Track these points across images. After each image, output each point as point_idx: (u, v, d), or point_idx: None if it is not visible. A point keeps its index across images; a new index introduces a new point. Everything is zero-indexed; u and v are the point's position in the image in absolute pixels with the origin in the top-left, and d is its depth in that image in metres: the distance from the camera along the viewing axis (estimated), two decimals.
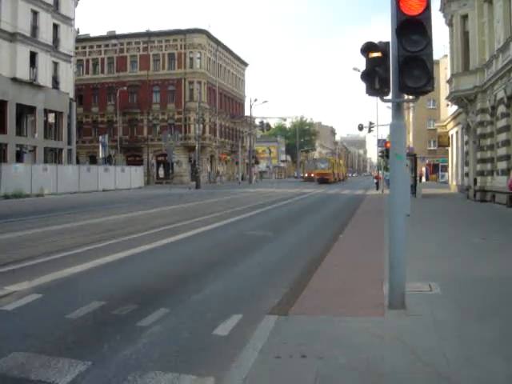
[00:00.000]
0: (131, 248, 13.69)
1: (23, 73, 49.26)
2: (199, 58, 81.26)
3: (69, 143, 57.97)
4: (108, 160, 68.05)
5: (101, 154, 66.24)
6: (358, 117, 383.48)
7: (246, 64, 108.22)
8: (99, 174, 53.72)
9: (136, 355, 6.06)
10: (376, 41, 7.75)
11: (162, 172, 78.08)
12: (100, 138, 67.99)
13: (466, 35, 35.03)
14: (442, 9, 38.43)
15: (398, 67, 7.25)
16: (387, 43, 7.59)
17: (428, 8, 7.20)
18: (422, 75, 7.17)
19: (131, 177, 60.63)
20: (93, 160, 74.68)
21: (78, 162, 64.77)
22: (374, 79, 7.54)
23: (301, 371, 5.37)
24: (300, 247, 14.63)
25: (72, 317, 7.54)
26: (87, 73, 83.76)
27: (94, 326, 7.24)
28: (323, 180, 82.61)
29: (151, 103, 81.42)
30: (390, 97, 7.63)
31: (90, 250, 13.45)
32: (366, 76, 7.64)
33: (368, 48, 7.66)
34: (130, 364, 5.79)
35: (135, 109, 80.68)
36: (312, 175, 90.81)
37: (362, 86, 7.79)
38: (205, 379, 5.39)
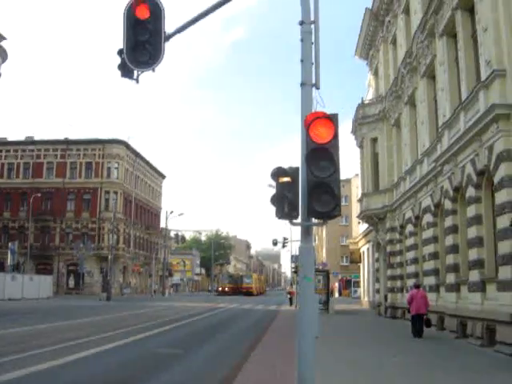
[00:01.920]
0: (27, 367, 12.91)
1: None
2: (117, 169, 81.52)
3: None
4: (16, 267, 65.75)
5: (9, 261, 64.04)
6: (273, 231, 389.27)
7: (163, 176, 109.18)
8: (6, 282, 51.77)
9: None
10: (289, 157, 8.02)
11: (72, 282, 75.99)
12: (10, 244, 65.97)
13: (375, 157, 36.84)
14: (354, 131, 40.41)
15: (307, 192, 7.48)
16: (297, 168, 7.87)
17: (336, 137, 7.55)
18: (330, 200, 7.41)
19: (40, 286, 58.57)
20: (0, 267, 72.04)
21: None
22: (284, 203, 7.74)
23: None
24: (210, 367, 14.25)
25: None
26: (1, 177, 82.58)
27: None
28: (248, 293, 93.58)
29: (65, 211, 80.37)
30: (298, 220, 7.82)
31: None
32: (276, 200, 7.84)
33: (278, 173, 7.91)
34: None
35: (48, 216, 79.28)
36: (226, 289, 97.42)
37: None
38: None
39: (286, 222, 8.14)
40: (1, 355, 14.38)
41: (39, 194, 75.84)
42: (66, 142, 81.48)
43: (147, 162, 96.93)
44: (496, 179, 16.98)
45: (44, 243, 79.04)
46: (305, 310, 7.71)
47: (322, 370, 11.07)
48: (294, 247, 66.53)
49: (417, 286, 22.64)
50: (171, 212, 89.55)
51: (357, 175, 55.75)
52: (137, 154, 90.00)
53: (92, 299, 58.50)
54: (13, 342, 17.61)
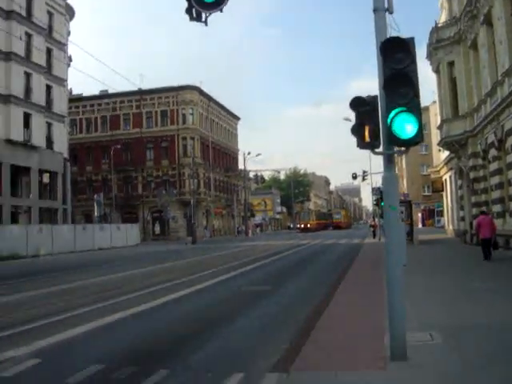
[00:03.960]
0: (129, 308, 13.57)
1: (17, 134, 49.57)
2: (191, 114, 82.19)
3: (64, 203, 57.96)
4: (103, 218, 67.96)
5: (96, 213, 66.21)
6: (352, 165, 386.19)
7: (238, 118, 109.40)
8: (95, 232, 53.60)
9: None
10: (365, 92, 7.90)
11: (158, 228, 78.01)
12: (95, 196, 68.08)
13: (453, 81, 35.63)
14: (429, 56, 39.13)
15: (389, 118, 7.35)
16: (375, 97, 7.74)
17: (413, 61, 7.38)
18: (412, 126, 7.28)
19: (127, 234, 60.46)
20: (88, 218, 74.58)
21: (73, 221, 64.52)
22: (364, 133, 7.65)
23: None
24: (299, 301, 14.51)
25: (71, 381, 7.44)
26: (81, 132, 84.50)
27: None
28: (337, 226, 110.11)
29: (145, 160, 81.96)
30: (380, 149, 7.73)
31: (88, 311, 13.35)
32: (356, 130, 7.75)
33: (356, 103, 7.80)
34: None
35: (129, 166, 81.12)
36: (308, 225, 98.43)
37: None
38: None
39: (366, 153, 8.07)
40: (98, 301, 15.09)
41: (119, 146, 77.45)
42: (140, 92, 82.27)
43: (221, 105, 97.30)
44: None
45: (128, 193, 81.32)
46: (392, 239, 7.68)
47: (411, 297, 11.11)
48: (374, 180, 65.99)
49: (483, 213, 23.87)
50: (249, 153, 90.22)
51: (434, 102, 54.27)
52: (210, 99, 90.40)
53: (178, 244, 60.02)
54: (108, 288, 18.40)
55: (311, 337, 9.35)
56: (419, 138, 7.34)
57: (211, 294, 16.48)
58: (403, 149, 8.05)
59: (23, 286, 19.99)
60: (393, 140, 7.43)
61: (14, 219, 49.23)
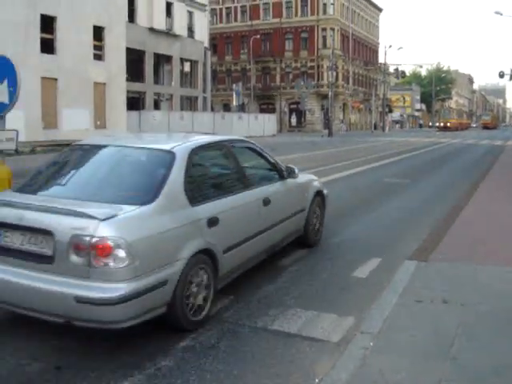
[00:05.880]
0: None
1: (160, 23, 50.44)
2: (332, 4, 79.61)
3: (204, 91, 59.18)
4: (241, 108, 68.76)
5: (234, 102, 66.94)
6: (498, 65, 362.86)
7: (380, 9, 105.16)
8: (233, 121, 54.47)
9: (277, 292, 6.24)
10: None
11: (294, 120, 78.06)
12: (234, 86, 68.57)
13: None
14: None
15: None
16: None
17: None
18: None
19: (264, 124, 61.04)
20: (226, 108, 75.78)
21: (212, 109, 65.91)
22: None
23: (442, 316, 5.28)
24: (438, 195, 14.31)
25: None
26: (221, 22, 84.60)
27: None
28: (486, 127, 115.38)
29: (284, 51, 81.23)
30: None
31: None
32: None
33: None
34: (271, 300, 5.97)
35: (268, 57, 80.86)
36: (448, 124, 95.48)
37: (504, 31, 7.33)
38: (344, 318, 5.45)
39: None
40: None
41: (258, 36, 76.97)
42: None
43: None
44: None
45: (265, 83, 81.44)
46: None
47: None
48: None
49: None
50: (390, 46, 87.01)
51: None
52: None
53: (314, 136, 60.01)
54: None
55: (451, 230, 9.20)
56: None
57: (350, 183, 16.66)
58: None
59: None
60: None
61: (157, 106, 51.01)
